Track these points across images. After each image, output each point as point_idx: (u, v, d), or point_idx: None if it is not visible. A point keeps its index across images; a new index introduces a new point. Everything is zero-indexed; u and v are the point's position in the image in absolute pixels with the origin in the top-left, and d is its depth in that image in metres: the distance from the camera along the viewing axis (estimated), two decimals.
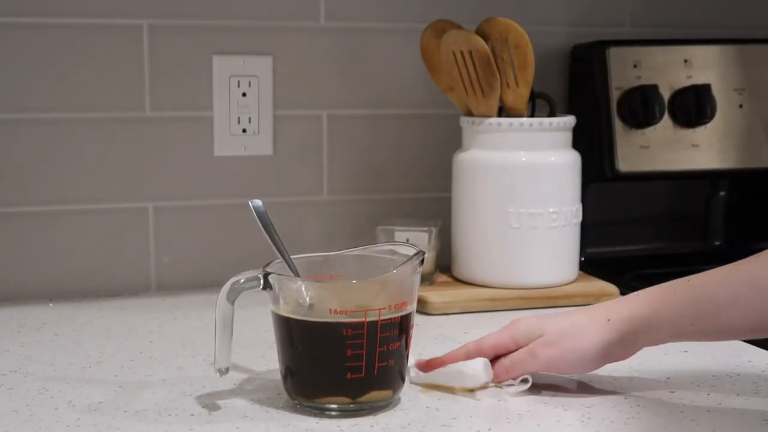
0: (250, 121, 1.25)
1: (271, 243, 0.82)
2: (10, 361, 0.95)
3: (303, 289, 0.80)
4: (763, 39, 1.39)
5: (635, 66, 1.31)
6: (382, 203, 1.31)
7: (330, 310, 0.78)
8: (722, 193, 1.44)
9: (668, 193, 1.43)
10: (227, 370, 0.82)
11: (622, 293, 1.18)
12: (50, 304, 1.17)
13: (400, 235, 1.16)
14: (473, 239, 1.18)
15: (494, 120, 1.16)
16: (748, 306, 0.79)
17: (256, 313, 0.95)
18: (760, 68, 1.35)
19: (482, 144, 1.17)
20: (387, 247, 0.87)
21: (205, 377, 0.88)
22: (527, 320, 0.87)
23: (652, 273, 1.33)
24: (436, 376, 0.86)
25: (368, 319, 0.77)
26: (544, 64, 1.28)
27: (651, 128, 1.30)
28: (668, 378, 0.89)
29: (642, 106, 1.29)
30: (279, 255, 0.82)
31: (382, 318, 0.78)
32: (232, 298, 0.80)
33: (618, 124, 1.30)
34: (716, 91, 1.32)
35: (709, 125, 1.32)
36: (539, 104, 1.20)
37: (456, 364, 0.86)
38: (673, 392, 0.86)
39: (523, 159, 1.16)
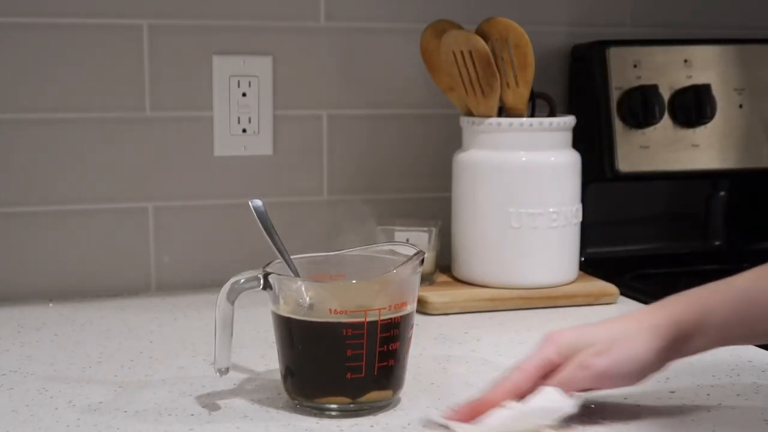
0: (250, 121, 1.25)
1: (271, 243, 0.82)
2: (10, 361, 0.95)
3: (303, 289, 0.80)
4: (763, 39, 1.39)
5: (635, 66, 1.31)
6: (382, 203, 1.31)
7: (330, 310, 0.78)
8: (722, 193, 1.44)
9: (668, 193, 1.43)
10: (227, 370, 0.82)
11: (622, 293, 1.19)
12: (50, 304, 1.17)
13: (400, 235, 1.16)
14: (473, 239, 1.18)
15: (494, 120, 1.16)
16: None
17: (256, 313, 0.95)
18: (760, 68, 1.35)
19: (482, 144, 1.17)
20: (387, 247, 0.87)
21: (205, 377, 0.88)
22: (566, 332, 0.80)
23: (652, 273, 1.34)
24: (504, 422, 0.74)
25: (368, 319, 0.77)
26: (544, 64, 1.28)
27: (651, 128, 1.30)
28: (668, 378, 0.89)
29: (642, 106, 1.29)
30: (279, 255, 0.82)
31: (382, 318, 0.78)
32: (232, 298, 0.80)
33: (618, 124, 1.30)
34: (716, 91, 1.32)
35: (709, 125, 1.32)
36: (539, 104, 1.20)
37: (527, 402, 0.75)
38: (673, 392, 0.86)
39: (523, 159, 1.16)
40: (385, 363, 0.79)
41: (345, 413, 0.79)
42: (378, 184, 1.31)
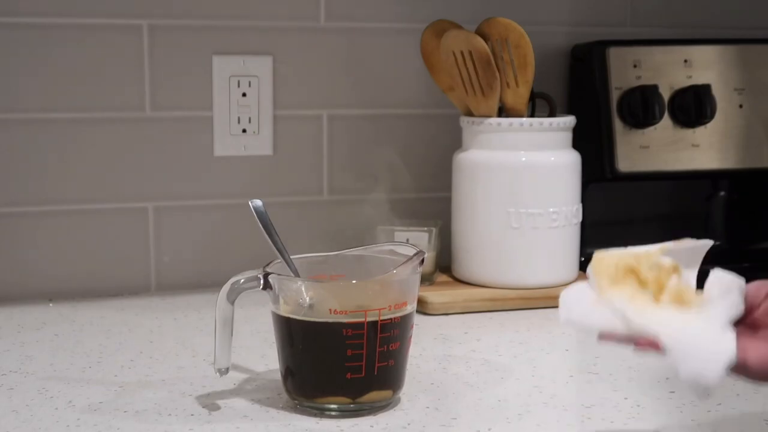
0: (250, 121, 1.25)
1: (271, 243, 0.82)
2: (10, 361, 0.95)
3: (303, 289, 0.80)
4: (763, 39, 1.39)
5: (635, 66, 1.31)
6: (382, 203, 1.30)
7: (330, 310, 0.78)
8: (722, 193, 1.44)
9: (668, 193, 1.43)
10: (227, 370, 0.82)
11: None
12: (50, 304, 1.17)
13: (400, 235, 1.16)
14: (473, 239, 1.18)
15: (494, 120, 1.16)
16: None
17: (256, 313, 0.95)
18: (760, 68, 1.35)
19: (482, 144, 1.17)
20: (387, 247, 0.87)
21: (205, 377, 0.88)
22: None
23: None
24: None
25: (368, 319, 0.77)
26: (544, 64, 1.28)
27: (651, 128, 1.30)
28: (668, 378, 0.89)
29: (642, 106, 1.28)
30: (279, 255, 0.82)
31: (382, 318, 0.78)
32: (232, 298, 0.80)
33: (618, 124, 1.30)
34: (716, 91, 1.32)
35: (709, 125, 1.32)
36: (539, 104, 1.20)
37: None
38: (673, 392, 0.86)
39: (523, 159, 1.16)
40: (385, 363, 0.79)
41: (345, 413, 0.79)
42: (378, 184, 1.31)
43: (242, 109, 1.25)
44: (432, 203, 1.31)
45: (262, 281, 0.80)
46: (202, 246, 1.25)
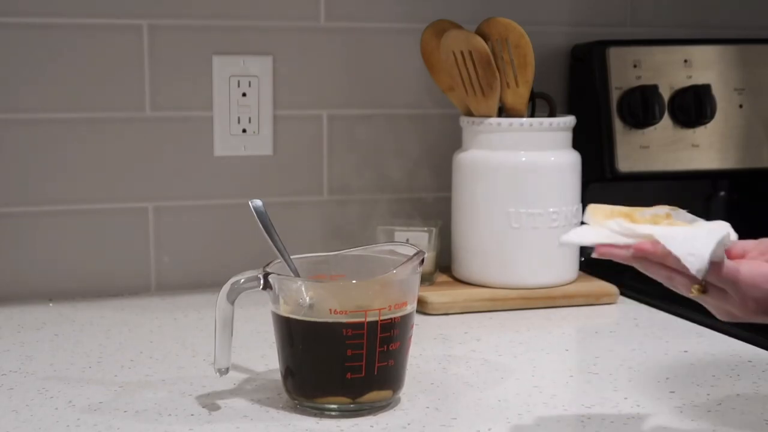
0: (250, 121, 1.25)
1: (271, 243, 0.82)
2: (10, 361, 0.95)
3: (303, 289, 0.80)
4: (763, 39, 1.39)
5: (635, 66, 1.31)
6: (382, 203, 1.31)
7: (330, 310, 0.78)
8: (722, 193, 1.44)
9: (668, 193, 1.42)
10: (227, 370, 0.82)
11: (622, 293, 1.19)
12: (50, 304, 1.17)
13: (400, 235, 1.16)
14: (473, 239, 1.18)
15: (494, 120, 1.16)
16: None
17: (256, 313, 0.95)
18: (760, 68, 1.35)
19: (482, 144, 1.17)
20: (387, 247, 0.87)
21: (205, 377, 0.88)
22: None
23: None
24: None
25: (368, 319, 0.77)
26: (544, 64, 1.28)
27: (651, 128, 1.30)
28: (668, 378, 0.89)
29: (642, 106, 1.29)
30: (279, 255, 0.82)
31: (382, 318, 0.78)
32: (232, 298, 0.80)
33: (618, 124, 1.30)
34: (716, 91, 1.32)
35: (709, 125, 1.32)
36: (539, 104, 1.20)
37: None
38: (673, 392, 0.86)
39: (523, 159, 1.16)
40: (385, 363, 0.79)
41: (345, 413, 0.79)
42: (378, 184, 1.31)
43: (242, 109, 1.25)
44: (432, 203, 1.31)
45: (262, 281, 0.80)
46: (202, 246, 1.25)
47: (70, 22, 1.18)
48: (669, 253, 0.69)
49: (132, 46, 1.20)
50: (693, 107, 1.30)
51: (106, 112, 1.20)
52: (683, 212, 0.78)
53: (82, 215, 1.21)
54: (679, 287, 0.72)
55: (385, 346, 0.79)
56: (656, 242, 0.71)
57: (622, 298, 1.18)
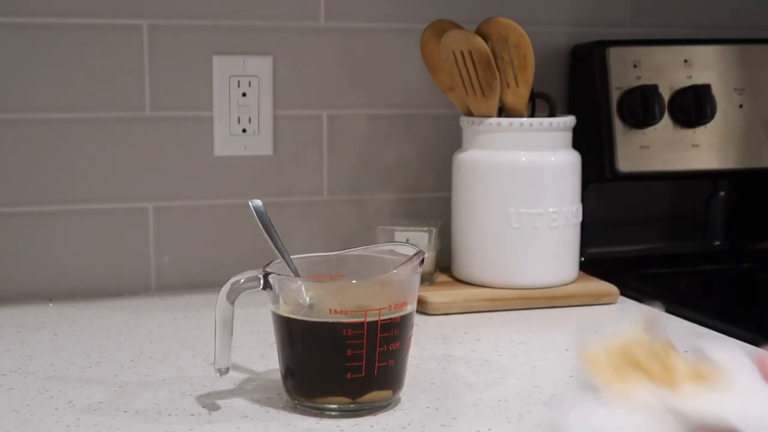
0: (250, 121, 1.25)
1: (270, 243, 0.82)
2: (10, 361, 0.95)
3: (303, 289, 0.80)
4: (763, 39, 1.39)
5: (635, 66, 1.31)
6: (382, 203, 1.31)
7: (330, 310, 0.78)
8: (722, 193, 1.44)
9: (668, 193, 1.43)
10: (227, 370, 0.82)
11: (622, 293, 1.19)
12: (50, 304, 1.17)
13: (400, 235, 1.16)
14: (473, 239, 1.18)
15: (494, 120, 1.16)
16: None
17: (256, 313, 0.95)
18: (760, 68, 1.35)
19: (482, 144, 1.17)
20: (387, 247, 0.87)
21: (205, 377, 0.88)
22: None
23: (652, 273, 1.34)
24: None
25: (368, 319, 0.77)
26: (544, 64, 1.28)
27: (651, 128, 1.30)
28: None
29: (642, 106, 1.29)
30: (279, 255, 0.82)
31: (382, 318, 0.78)
32: (232, 298, 0.80)
33: (618, 124, 1.30)
34: (716, 91, 1.32)
35: (709, 125, 1.32)
36: (539, 104, 1.20)
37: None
38: None
39: (523, 159, 1.16)
40: (385, 363, 0.79)
41: (345, 413, 0.79)
42: (378, 184, 1.31)
43: (242, 109, 1.25)
44: (432, 203, 1.31)
45: (262, 281, 0.80)
46: (202, 246, 1.25)
47: (70, 22, 1.18)
48: None
49: (132, 46, 1.20)
50: (693, 107, 1.30)
51: (106, 112, 1.20)
52: (650, 314, 0.66)
53: (82, 215, 1.21)
54: None
55: (385, 346, 0.79)
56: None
57: (622, 298, 1.18)
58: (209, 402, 0.82)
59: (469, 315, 1.13)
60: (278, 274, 0.80)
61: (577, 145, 1.20)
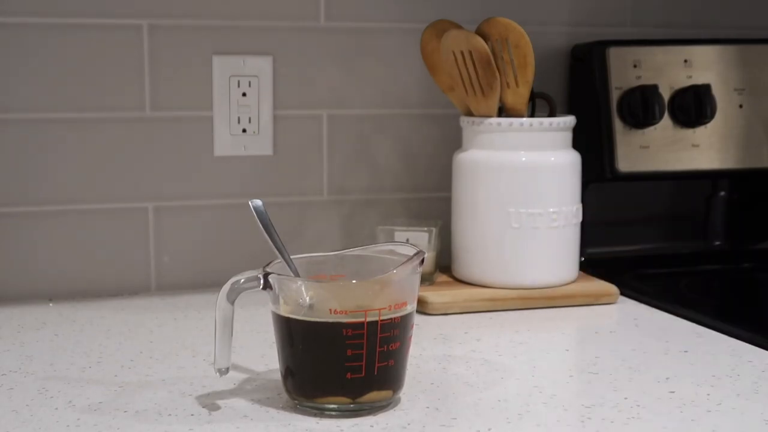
0: (250, 121, 1.25)
1: (270, 243, 0.82)
2: (10, 361, 0.95)
3: (303, 289, 0.80)
4: (763, 39, 1.39)
5: (635, 66, 1.31)
6: (382, 203, 1.31)
7: (330, 310, 0.78)
8: (722, 193, 1.44)
9: (668, 193, 1.43)
10: (227, 370, 0.82)
11: (622, 293, 1.19)
12: (50, 304, 1.17)
13: (400, 235, 1.16)
14: (473, 239, 1.18)
15: (494, 120, 1.16)
16: None
17: (256, 313, 0.95)
18: (760, 68, 1.35)
19: (482, 144, 1.17)
20: (387, 247, 0.87)
21: (205, 377, 0.88)
22: None
23: (652, 273, 1.34)
24: None
25: (368, 319, 0.77)
26: (544, 64, 1.28)
27: (651, 128, 1.30)
28: (668, 378, 0.89)
29: (642, 106, 1.29)
30: (279, 255, 0.82)
31: (382, 318, 0.78)
32: (232, 298, 0.80)
33: (618, 124, 1.30)
34: (716, 91, 1.32)
35: (709, 125, 1.32)
36: (539, 104, 1.20)
37: None
38: (673, 392, 0.86)
39: (523, 159, 1.16)
40: (385, 363, 0.79)
41: (345, 413, 0.79)
42: (378, 184, 1.31)
43: (242, 109, 1.25)
44: (432, 203, 1.31)
45: (262, 281, 0.80)
46: (202, 246, 1.25)
47: (70, 22, 1.18)
48: None
49: (132, 46, 1.20)
50: (693, 107, 1.30)
51: (106, 112, 1.20)
52: None
53: (82, 215, 1.21)
54: None
55: (385, 346, 0.79)
56: None
57: (622, 298, 1.18)
58: (209, 402, 0.82)
59: (469, 315, 1.13)
60: (278, 274, 0.80)
61: (577, 145, 1.20)
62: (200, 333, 1.04)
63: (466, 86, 1.17)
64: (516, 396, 0.85)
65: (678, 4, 1.41)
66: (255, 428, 0.77)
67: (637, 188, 1.39)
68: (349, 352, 0.77)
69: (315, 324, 0.78)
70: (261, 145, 1.26)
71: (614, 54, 1.30)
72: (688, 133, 1.32)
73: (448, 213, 1.23)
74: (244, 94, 1.24)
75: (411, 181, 1.32)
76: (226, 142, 1.25)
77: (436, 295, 1.14)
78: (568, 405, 0.83)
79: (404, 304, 0.80)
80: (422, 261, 0.81)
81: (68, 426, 0.77)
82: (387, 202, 1.31)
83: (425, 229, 1.18)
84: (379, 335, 0.78)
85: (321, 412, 0.79)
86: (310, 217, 1.28)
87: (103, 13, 1.19)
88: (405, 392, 0.83)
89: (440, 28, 1.20)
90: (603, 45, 1.31)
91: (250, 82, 1.24)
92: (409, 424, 0.78)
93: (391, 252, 0.85)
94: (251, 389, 0.86)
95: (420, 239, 1.16)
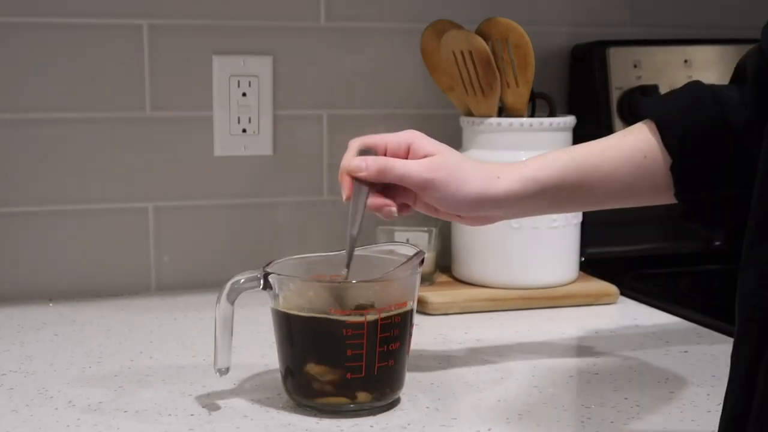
0: (250, 121, 1.25)
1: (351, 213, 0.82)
2: (10, 361, 0.95)
3: (303, 288, 0.80)
4: None
5: (635, 66, 1.31)
6: None
7: (330, 310, 0.78)
8: None
9: None
10: (227, 370, 0.82)
11: (622, 293, 1.19)
12: (50, 304, 1.17)
13: (400, 235, 1.16)
14: (473, 239, 1.18)
15: (494, 120, 1.16)
16: (624, 178, 0.82)
17: (256, 313, 0.95)
18: None
19: (482, 144, 1.17)
20: (387, 247, 0.87)
21: (205, 377, 0.88)
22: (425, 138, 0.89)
23: (652, 273, 1.34)
24: None
25: (368, 319, 0.77)
26: (544, 64, 1.28)
27: None
28: (668, 378, 0.89)
29: None
30: (353, 223, 0.81)
31: (382, 318, 0.78)
32: (232, 298, 0.80)
33: (618, 124, 1.30)
34: None
35: None
36: (539, 104, 1.20)
37: None
38: (673, 392, 0.86)
39: (523, 159, 1.15)
40: (385, 363, 0.79)
41: (345, 413, 0.79)
42: None
43: (242, 109, 1.25)
44: None
45: (262, 281, 0.80)
46: (202, 246, 1.25)
47: (69, 22, 1.18)
48: None
49: (132, 47, 1.20)
50: None
51: (106, 112, 1.20)
52: None
53: (82, 215, 1.21)
54: None
55: (385, 346, 0.79)
56: None
57: (622, 298, 1.18)
58: (209, 402, 0.82)
59: (469, 315, 1.13)
60: (278, 274, 0.80)
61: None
62: (200, 333, 1.04)
63: (466, 86, 1.17)
64: (516, 396, 0.85)
65: (678, 4, 1.41)
66: (255, 428, 0.77)
67: None
68: (349, 352, 0.77)
69: (315, 323, 0.78)
70: (261, 145, 1.26)
71: (614, 54, 1.30)
72: None
73: None
74: (244, 94, 1.24)
75: None
76: (226, 142, 1.25)
77: (436, 295, 1.14)
78: (568, 405, 0.83)
79: (404, 304, 0.80)
80: (422, 261, 0.81)
81: (68, 426, 0.77)
82: None
83: (425, 229, 1.18)
84: (379, 335, 0.78)
85: (321, 412, 0.79)
86: (310, 217, 1.28)
87: (103, 13, 1.19)
88: (405, 392, 0.83)
89: (440, 28, 1.20)
90: (603, 45, 1.31)
91: (250, 82, 1.24)
92: (409, 424, 0.78)
93: (391, 252, 0.85)
94: (251, 389, 0.86)
95: (420, 239, 1.16)
